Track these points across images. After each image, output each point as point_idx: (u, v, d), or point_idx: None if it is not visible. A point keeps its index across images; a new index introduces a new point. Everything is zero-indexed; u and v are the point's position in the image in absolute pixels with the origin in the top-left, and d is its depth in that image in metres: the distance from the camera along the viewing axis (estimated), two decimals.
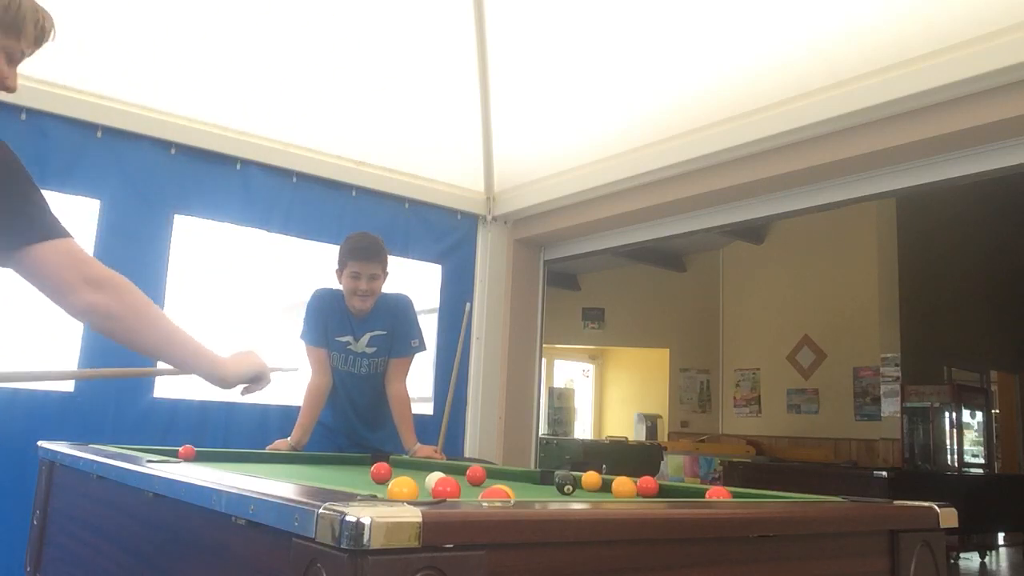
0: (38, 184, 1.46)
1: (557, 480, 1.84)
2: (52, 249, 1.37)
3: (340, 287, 3.13)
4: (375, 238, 3.12)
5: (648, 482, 1.79)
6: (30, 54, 1.54)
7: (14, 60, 1.51)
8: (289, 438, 3.01)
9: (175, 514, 1.35)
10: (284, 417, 3.49)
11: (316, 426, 3.12)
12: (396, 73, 3.87)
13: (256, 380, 1.72)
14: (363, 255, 3.03)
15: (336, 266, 3.10)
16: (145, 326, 1.43)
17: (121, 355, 1.70)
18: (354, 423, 3.21)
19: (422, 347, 3.26)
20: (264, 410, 3.63)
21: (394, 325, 3.17)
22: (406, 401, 3.19)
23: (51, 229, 1.38)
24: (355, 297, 3.05)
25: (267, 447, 2.96)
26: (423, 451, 3.05)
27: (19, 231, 1.36)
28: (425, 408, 4.11)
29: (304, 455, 2.89)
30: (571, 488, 1.80)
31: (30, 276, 1.39)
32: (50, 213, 1.41)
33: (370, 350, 3.15)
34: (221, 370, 1.51)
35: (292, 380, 3.32)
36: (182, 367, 1.46)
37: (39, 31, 1.52)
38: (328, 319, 3.13)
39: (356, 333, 3.13)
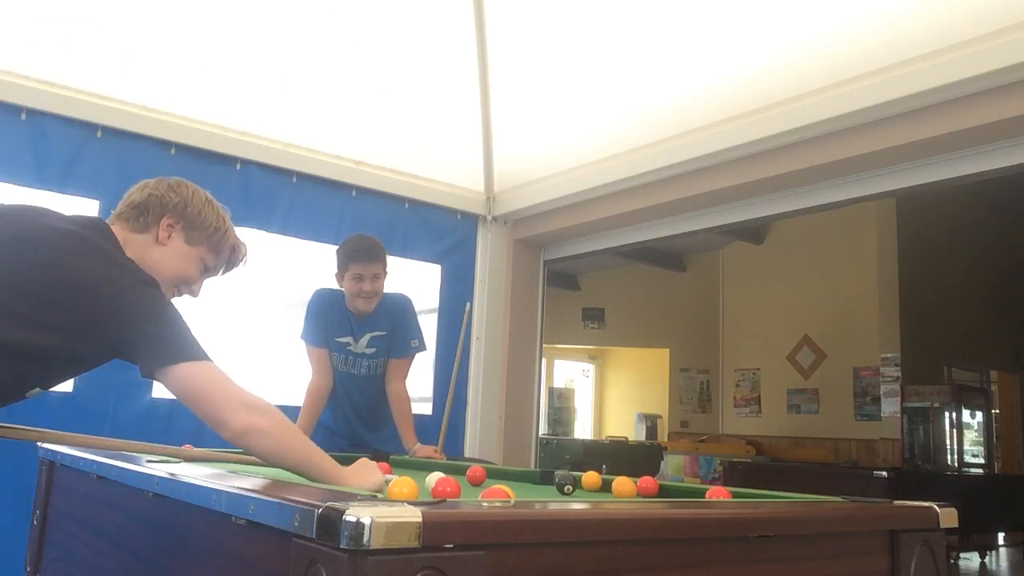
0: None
1: (557, 480, 1.84)
2: (193, 371, 1.45)
3: (340, 287, 3.12)
4: (373, 239, 3.12)
5: (648, 482, 1.79)
6: (219, 275, 1.83)
7: (206, 274, 1.79)
8: None
9: (175, 514, 1.35)
10: None
11: (316, 427, 3.12)
12: (396, 73, 3.86)
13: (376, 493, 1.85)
14: (364, 256, 3.02)
15: (335, 270, 3.10)
16: (292, 442, 1.53)
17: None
18: (354, 424, 3.20)
19: (422, 347, 3.26)
20: None
21: (394, 325, 3.17)
22: (406, 401, 3.19)
23: (188, 352, 1.46)
24: (359, 299, 3.05)
25: None
26: (423, 451, 3.05)
27: (157, 353, 1.45)
28: (425, 408, 4.10)
29: None
30: (571, 488, 1.80)
31: (182, 397, 1.47)
32: (187, 337, 1.49)
33: (370, 351, 3.15)
34: (345, 484, 1.60)
35: (291, 380, 3.33)
36: (312, 477, 1.54)
37: (232, 257, 1.82)
38: (328, 319, 3.13)
39: (356, 334, 3.13)
